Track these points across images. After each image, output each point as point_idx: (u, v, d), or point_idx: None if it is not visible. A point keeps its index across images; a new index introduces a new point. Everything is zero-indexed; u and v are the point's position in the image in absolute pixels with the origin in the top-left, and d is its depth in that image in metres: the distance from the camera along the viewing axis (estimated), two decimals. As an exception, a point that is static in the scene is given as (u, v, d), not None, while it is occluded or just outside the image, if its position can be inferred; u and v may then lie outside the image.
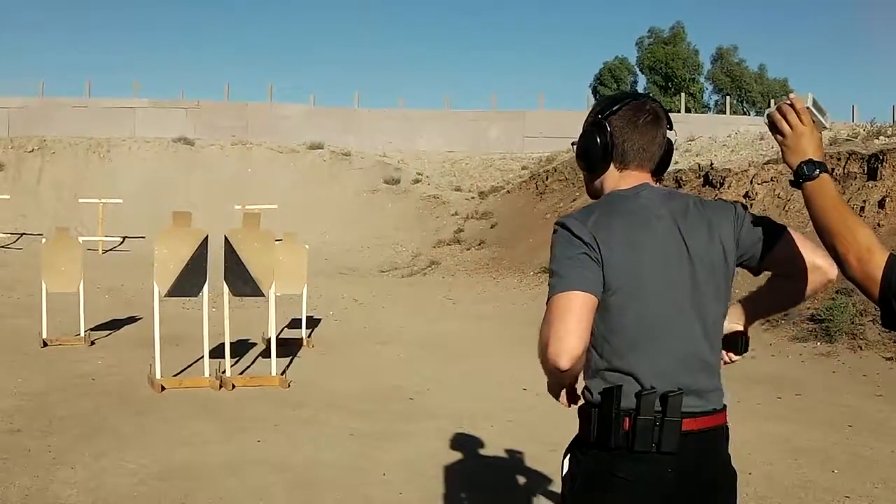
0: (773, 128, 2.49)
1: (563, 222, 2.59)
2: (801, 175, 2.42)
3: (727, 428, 2.67)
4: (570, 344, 2.39)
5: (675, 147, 2.91)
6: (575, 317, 2.42)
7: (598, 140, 2.71)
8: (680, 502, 2.55)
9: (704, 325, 2.61)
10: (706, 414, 2.58)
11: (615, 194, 2.69)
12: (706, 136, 24.67)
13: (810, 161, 2.41)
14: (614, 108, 2.72)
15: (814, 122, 2.44)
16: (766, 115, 2.52)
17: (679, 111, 39.09)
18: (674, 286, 2.57)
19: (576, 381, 2.66)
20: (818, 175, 2.40)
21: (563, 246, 2.54)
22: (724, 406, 2.67)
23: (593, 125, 2.75)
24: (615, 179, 2.73)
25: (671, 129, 2.78)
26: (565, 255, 2.51)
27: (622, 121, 2.70)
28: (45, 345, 11.45)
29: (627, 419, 2.51)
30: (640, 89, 59.59)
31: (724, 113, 45.04)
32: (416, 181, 31.36)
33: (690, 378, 2.56)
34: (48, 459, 6.59)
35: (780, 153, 2.52)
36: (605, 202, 2.68)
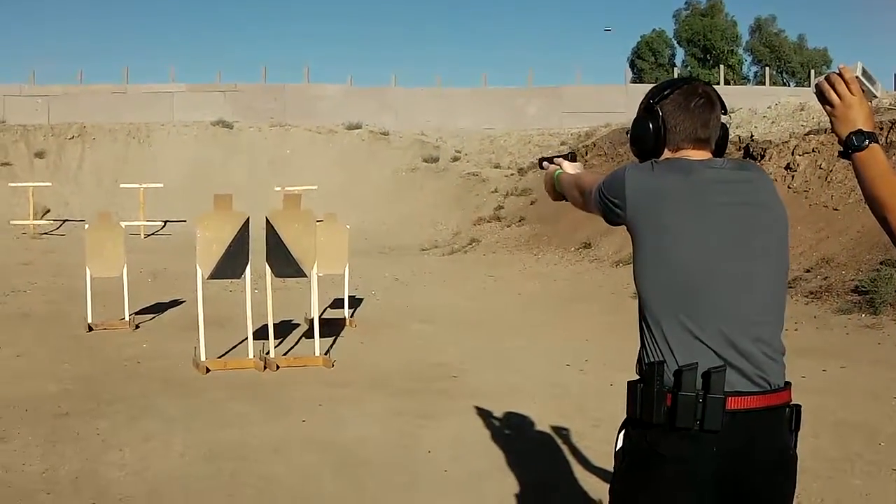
0: (822, 98, 2.44)
1: (625, 174, 2.69)
2: (850, 146, 2.37)
3: (793, 408, 2.61)
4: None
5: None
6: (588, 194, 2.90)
7: (651, 126, 2.71)
8: (728, 483, 2.52)
9: (760, 292, 2.59)
10: (760, 393, 2.53)
11: (680, 159, 2.69)
12: (746, 108, 24.35)
13: (860, 132, 2.36)
14: (665, 93, 2.72)
15: (863, 91, 2.39)
16: (814, 84, 2.48)
17: (718, 83, 38.63)
18: (726, 250, 2.56)
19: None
20: (868, 145, 2.35)
21: (610, 184, 2.72)
22: (787, 384, 2.62)
23: (645, 111, 2.75)
24: None
25: (725, 113, 2.76)
26: (606, 192, 2.74)
27: (673, 105, 2.69)
28: (91, 329, 11.56)
29: (670, 395, 2.50)
30: (678, 62, 59.24)
31: (764, 84, 44.55)
32: (455, 159, 31.29)
33: (742, 348, 2.53)
34: (97, 442, 6.68)
35: (830, 124, 2.47)
36: (668, 164, 2.67)
